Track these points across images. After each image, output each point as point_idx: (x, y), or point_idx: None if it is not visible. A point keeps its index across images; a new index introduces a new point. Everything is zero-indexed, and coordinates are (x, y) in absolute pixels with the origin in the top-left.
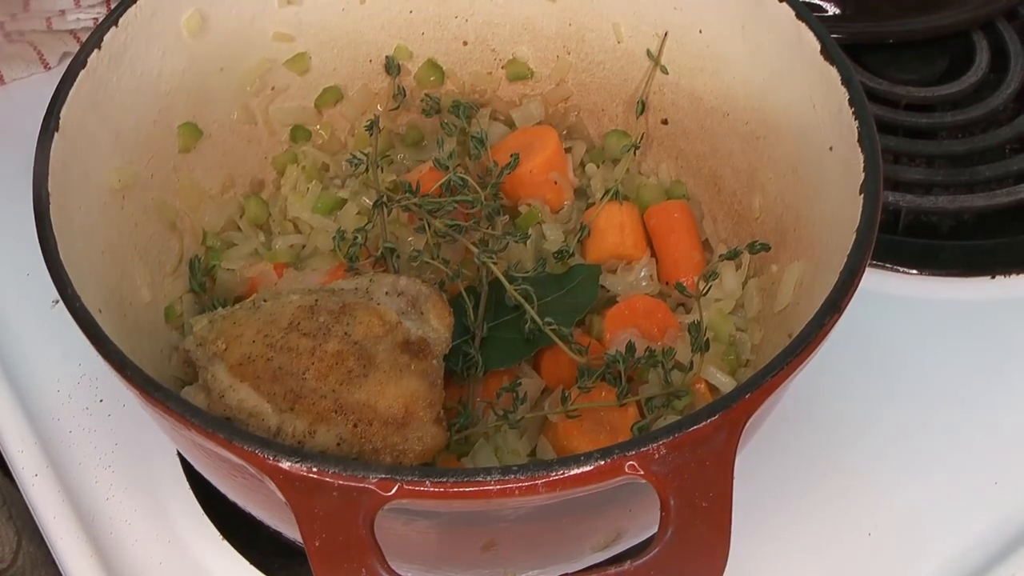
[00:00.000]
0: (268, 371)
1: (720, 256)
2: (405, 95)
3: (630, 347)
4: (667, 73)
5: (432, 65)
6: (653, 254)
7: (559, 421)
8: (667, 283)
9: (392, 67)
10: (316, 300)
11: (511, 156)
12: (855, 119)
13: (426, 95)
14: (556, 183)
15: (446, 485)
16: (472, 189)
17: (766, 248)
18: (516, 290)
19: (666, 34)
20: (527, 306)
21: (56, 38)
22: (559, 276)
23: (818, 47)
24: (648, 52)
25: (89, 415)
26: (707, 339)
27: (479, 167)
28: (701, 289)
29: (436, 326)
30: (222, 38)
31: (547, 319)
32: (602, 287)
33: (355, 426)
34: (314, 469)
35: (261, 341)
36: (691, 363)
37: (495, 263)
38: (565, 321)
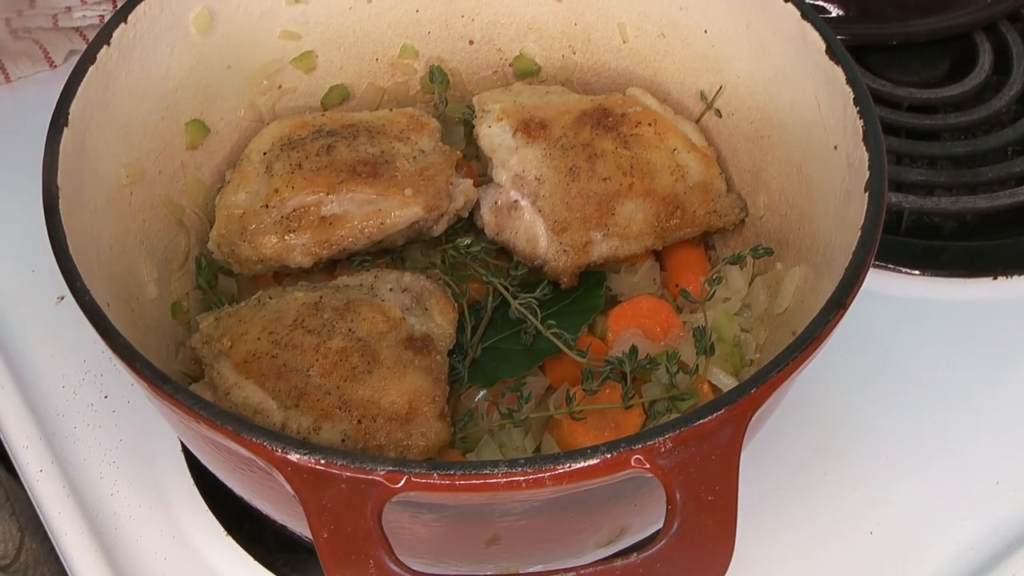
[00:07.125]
0: (273, 368)
1: (724, 260)
2: (447, 104)
3: (633, 350)
4: (672, 73)
5: (438, 67)
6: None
7: (564, 418)
8: (676, 285)
9: (437, 76)
10: (320, 297)
11: None
12: (860, 118)
13: (468, 107)
14: None
15: (453, 477)
16: None
17: (769, 253)
18: (521, 304)
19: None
20: (532, 319)
21: (62, 36)
22: None
23: (823, 47)
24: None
25: (94, 411)
26: (711, 342)
27: None
28: (706, 293)
29: (440, 322)
30: (230, 36)
31: (550, 322)
32: (606, 287)
33: (359, 422)
34: (322, 461)
35: (266, 338)
36: (696, 366)
37: (503, 282)
38: (572, 328)
